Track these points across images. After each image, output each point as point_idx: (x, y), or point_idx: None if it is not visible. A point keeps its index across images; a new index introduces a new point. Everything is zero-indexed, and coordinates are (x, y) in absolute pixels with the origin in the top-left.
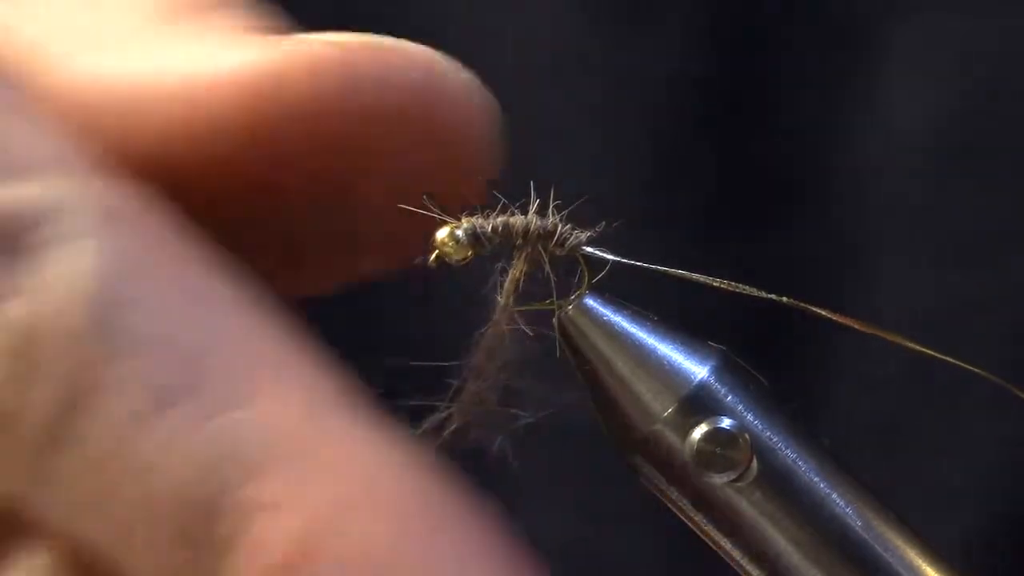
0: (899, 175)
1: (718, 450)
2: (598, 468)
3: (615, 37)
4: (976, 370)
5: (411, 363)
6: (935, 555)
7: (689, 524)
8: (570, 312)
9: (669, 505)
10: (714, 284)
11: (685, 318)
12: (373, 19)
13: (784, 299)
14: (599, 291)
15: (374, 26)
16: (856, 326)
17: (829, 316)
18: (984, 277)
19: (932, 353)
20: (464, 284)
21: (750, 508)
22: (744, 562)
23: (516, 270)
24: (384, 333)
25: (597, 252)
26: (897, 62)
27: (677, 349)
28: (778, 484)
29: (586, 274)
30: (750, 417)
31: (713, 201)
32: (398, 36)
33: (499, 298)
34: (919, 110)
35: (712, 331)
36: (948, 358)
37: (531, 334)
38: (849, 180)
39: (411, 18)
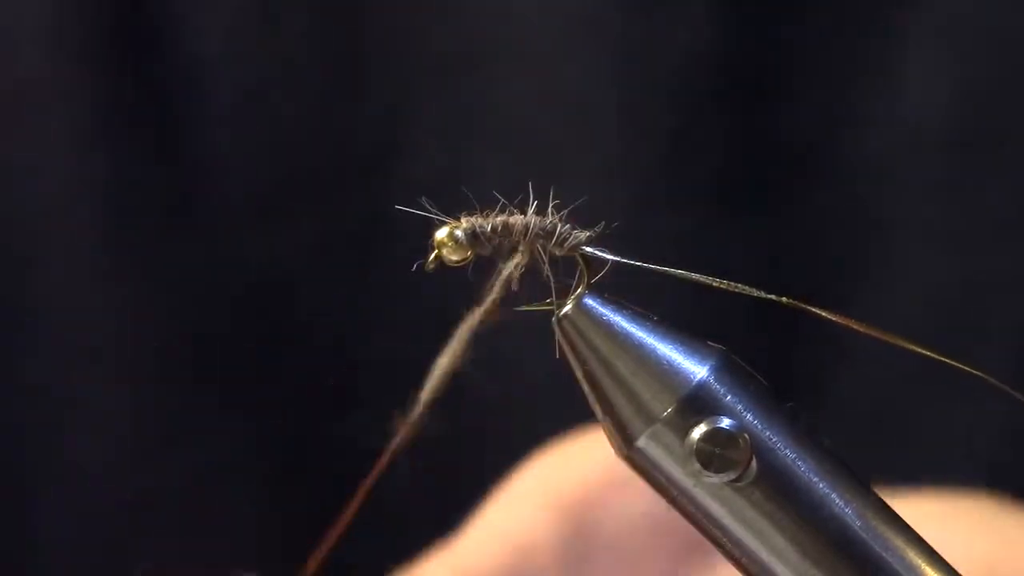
0: (915, 157)
1: (718, 450)
2: None
3: (632, 10)
4: (977, 372)
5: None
6: (935, 555)
7: (689, 524)
8: (569, 312)
9: (669, 505)
10: (714, 284)
11: (685, 317)
12: (382, 7)
13: (784, 299)
14: (599, 291)
15: (381, 15)
16: (855, 327)
17: (829, 316)
18: (997, 261)
19: (932, 355)
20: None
21: (750, 508)
22: (744, 562)
23: (516, 269)
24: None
25: (597, 252)
26: (914, 45)
27: (677, 349)
28: (778, 484)
29: (586, 274)
30: (750, 417)
31: (726, 178)
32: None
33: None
34: (935, 93)
35: (711, 330)
36: (948, 360)
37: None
38: (864, 161)
39: (420, 4)
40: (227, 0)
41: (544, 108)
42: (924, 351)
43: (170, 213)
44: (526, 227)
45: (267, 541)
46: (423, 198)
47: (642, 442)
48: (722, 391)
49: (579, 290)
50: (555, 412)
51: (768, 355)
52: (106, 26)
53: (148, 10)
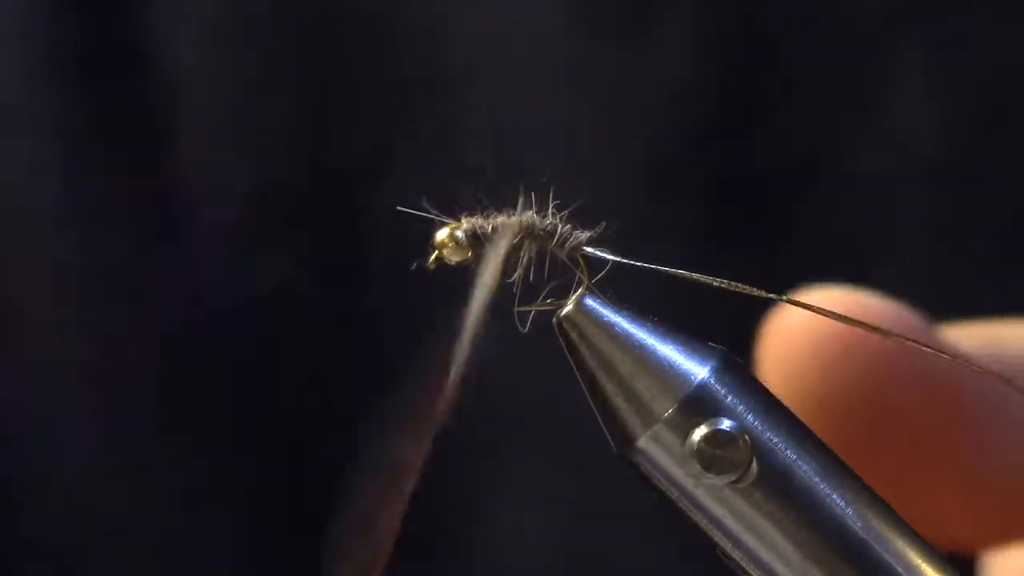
0: (902, 189)
1: (718, 451)
2: (590, 469)
3: (614, 46)
4: (978, 368)
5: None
6: (935, 555)
7: (690, 525)
8: (570, 312)
9: (669, 506)
10: (714, 284)
11: (685, 318)
12: (370, 28)
13: (784, 298)
14: (599, 291)
15: (368, 36)
16: (857, 327)
17: (830, 316)
18: (987, 295)
19: (939, 353)
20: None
21: (750, 509)
22: (744, 563)
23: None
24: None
25: (597, 252)
26: (901, 76)
27: (677, 349)
28: (778, 485)
29: (586, 274)
30: (750, 418)
31: (711, 212)
32: (394, 50)
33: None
34: (923, 124)
35: (712, 331)
36: (948, 355)
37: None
38: (850, 193)
39: (406, 27)
40: (205, 21)
41: (525, 136)
42: (929, 348)
43: (146, 237)
44: (527, 227)
45: (242, 569)
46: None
47: (642, 443)
48: (723, 392)
49: (579, 290)
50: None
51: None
52: (83, 46)
53: (126, 30)
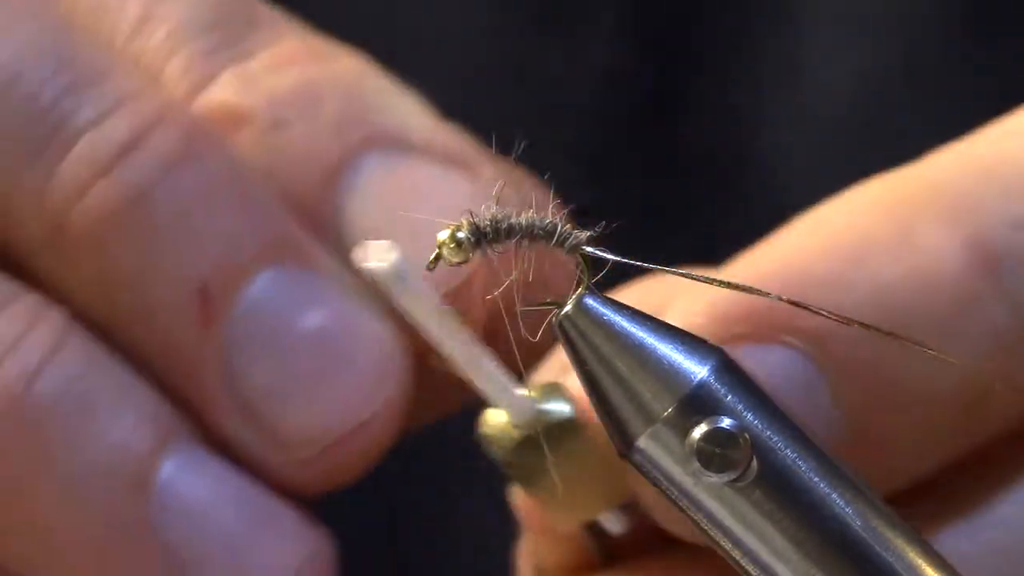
0: (824, 151)
1: (718, 450)
2: None
3: (538, 39)
4: (972, 365)
5: None
6: (935, 555)
7: (690, 523)
8: (570, 312)
9: (670, 504)
10: (713, 283)
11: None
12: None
13: (782, 297)
14: (598, 291)
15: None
16: (855, 325)
17: (829, 316)
18: None
19: (926, 348)
20: None
21: (750, 508)
22: (744, 562)
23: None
24: None
25: (597, 252)
26: (819, 38)
27: (677, 349)
28: (778, 484)
29: (586, 274)
30: (750, 417)
31: (647, 194)
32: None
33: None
34: (843, 88)
35: None
36: (943, 355)
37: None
38: (782, 162)
39: (338, 20)
40: None
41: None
42: (917, 344)
43: None
44: (528, 227)
45: None
46: None
47: (642, 442)
48: (722, 391)
49: (579, 290)
50: None
51: None
52: None
53: None
